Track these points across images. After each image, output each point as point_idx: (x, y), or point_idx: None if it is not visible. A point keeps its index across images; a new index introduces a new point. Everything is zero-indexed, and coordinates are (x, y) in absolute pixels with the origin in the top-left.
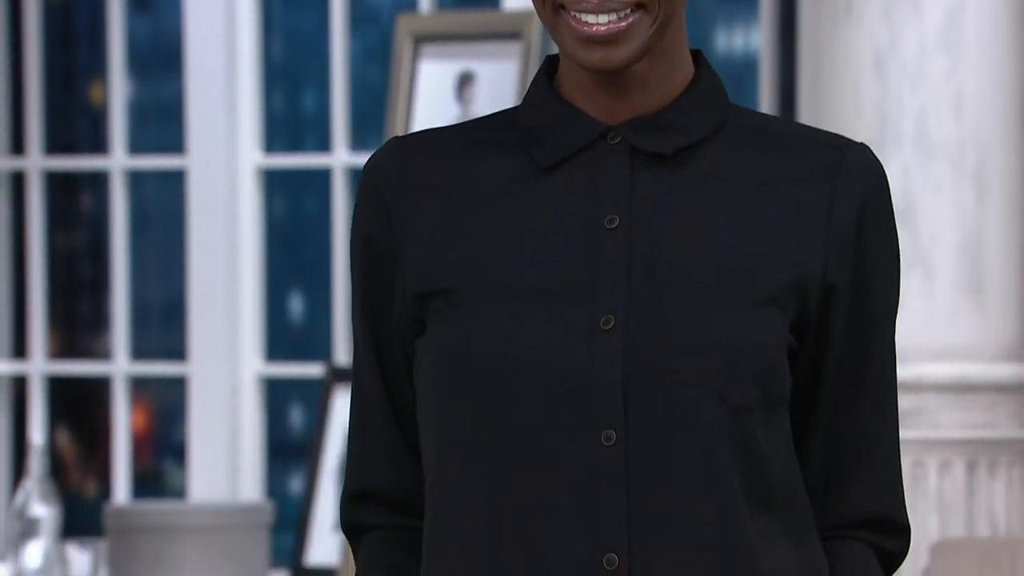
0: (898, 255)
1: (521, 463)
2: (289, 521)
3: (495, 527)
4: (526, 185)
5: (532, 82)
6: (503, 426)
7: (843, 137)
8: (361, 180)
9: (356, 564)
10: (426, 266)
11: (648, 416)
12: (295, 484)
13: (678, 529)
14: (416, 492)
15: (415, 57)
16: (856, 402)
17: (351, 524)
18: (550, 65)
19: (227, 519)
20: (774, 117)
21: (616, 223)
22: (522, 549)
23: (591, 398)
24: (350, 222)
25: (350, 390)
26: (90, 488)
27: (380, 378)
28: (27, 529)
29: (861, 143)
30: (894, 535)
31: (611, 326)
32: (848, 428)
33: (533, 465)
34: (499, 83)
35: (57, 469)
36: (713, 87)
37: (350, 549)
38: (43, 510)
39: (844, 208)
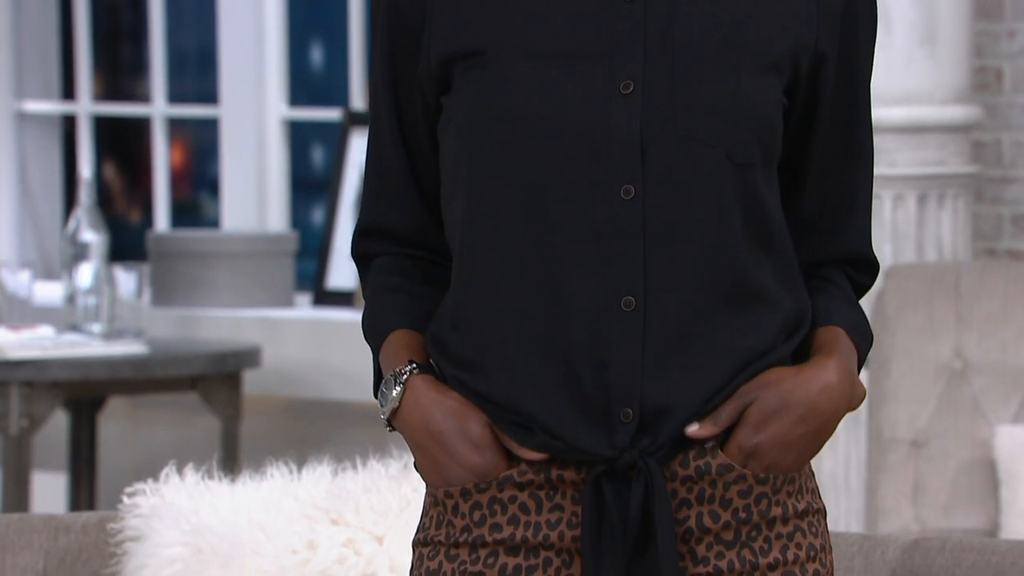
0: (876, 22)
1: (545, 214)
2: (311, 248)
3: (520, 273)
4: None
5: None
6: (529, 179)
7: None
8: None
9: (364, 288)
10: (453, 30)
11: (663, 172)
12: (317, 215)
13: (690, 273)
14: (425, 232)
15: None
16: (843, 156)
17: (362, 253)
18: None
19: (256, 246)
20: None
21: None
22: (545, 292)
23: (612, 156)
24: None
25: (367, 138)
26: (134, 216)
27: (398, 129)
28: (79, 253)
29: None
30: (867, 271)
31: (630, 90)
32: (836, 179)
33: (556, 216)
34: None
35: (104, 199)
36: None
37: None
38: (92, 236)
39: None
